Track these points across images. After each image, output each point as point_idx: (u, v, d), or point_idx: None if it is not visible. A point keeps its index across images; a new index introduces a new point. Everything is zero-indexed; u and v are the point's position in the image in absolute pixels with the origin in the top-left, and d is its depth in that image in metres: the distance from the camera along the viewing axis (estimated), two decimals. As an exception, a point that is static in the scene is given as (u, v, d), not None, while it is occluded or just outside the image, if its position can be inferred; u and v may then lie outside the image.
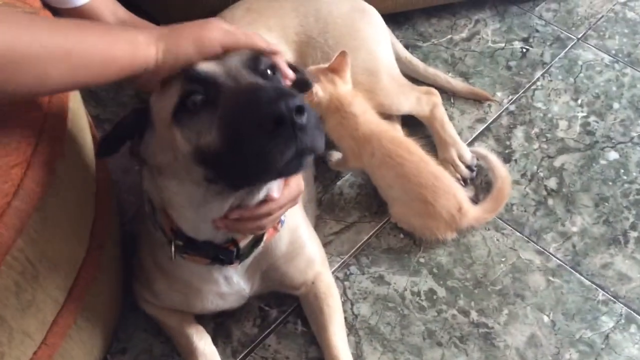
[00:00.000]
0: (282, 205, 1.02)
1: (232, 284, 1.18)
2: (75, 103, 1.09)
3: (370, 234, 1.49)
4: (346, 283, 1.42)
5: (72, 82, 0.84)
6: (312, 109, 0.83)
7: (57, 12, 1.08)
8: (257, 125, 0.79)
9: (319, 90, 1.44)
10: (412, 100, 1.61)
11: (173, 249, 1.06)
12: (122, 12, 1.19)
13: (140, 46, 0.86)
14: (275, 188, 0.99)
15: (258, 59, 0.92)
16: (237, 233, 1.04)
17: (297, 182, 1.05)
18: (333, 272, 1.41)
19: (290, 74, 1.02)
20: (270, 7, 1.53)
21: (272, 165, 0.82)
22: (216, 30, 0.91)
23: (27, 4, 1.00)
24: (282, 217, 1.11)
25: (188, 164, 0.90)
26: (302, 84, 1.10)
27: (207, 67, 0.89)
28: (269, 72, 0.94)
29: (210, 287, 1.17)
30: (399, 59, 1.71)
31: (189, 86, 0.87)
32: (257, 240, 1.09)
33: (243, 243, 1.07)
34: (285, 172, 0.87)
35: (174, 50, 0.88)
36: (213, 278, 1.15)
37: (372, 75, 1.55)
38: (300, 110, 0.79)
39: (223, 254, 1.06)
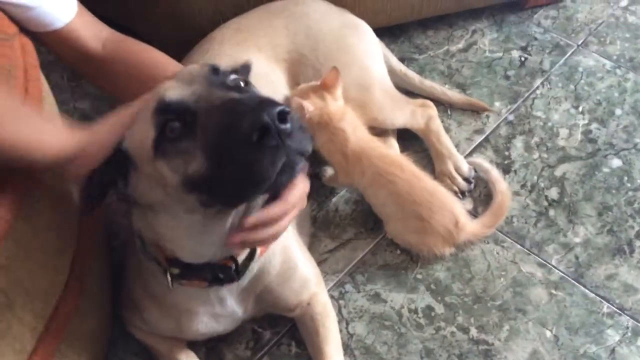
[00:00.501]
0: (294, 204, 0.97)
1: (226, 306, 1.16)
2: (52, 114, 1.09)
3: (366, 250, 1.47)
4: (341, 302, 1.39)
5: None
6: (294, 111, 0.81)
7: (36, 36, 1.08)
8: (241, 140, 0.77)
9: (309, 106, 1.42)
10: (406, 113, 1.58)
11: (170, 278, 1.03)
12: (107, 32, 1.19)
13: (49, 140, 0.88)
14: None
15: (218, 73, 0.91)
16: (255, 245, 1.01)
17: (304, 181, 1.00)
18: (328, 291, 1.38)
19: None
20: (260, 26, 1.52)
21: (265, 177, 0.80)
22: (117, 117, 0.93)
23: (2, 30, 1.00)
24: None
25: (180, 195, 0.87)
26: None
27: (174, 94, 0.86)
28: (241, 84, 0.92)
29: (204, 309, 1.15)
30: (393, 73, 1.69)
31: (163, 116, 0.85)
32: (253, 253, 1.07)
33: (240, 258, 1.04)
34: (279, 181, 0.84)
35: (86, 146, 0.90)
36: (208, 300, 1.13)
37: (364, 90, 1.53)
38: (282, 116, 0.77)
39: (222, 271, 1.04)
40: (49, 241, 0.98)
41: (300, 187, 0.98)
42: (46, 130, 0.88)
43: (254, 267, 1.10)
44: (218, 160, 0.81)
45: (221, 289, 1.09)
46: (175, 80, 0.90)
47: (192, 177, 0.84)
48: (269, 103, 0.78)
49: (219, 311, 1.15)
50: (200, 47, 1.50)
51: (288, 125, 0.78)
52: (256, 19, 1.55)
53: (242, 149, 0.78)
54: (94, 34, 1.13)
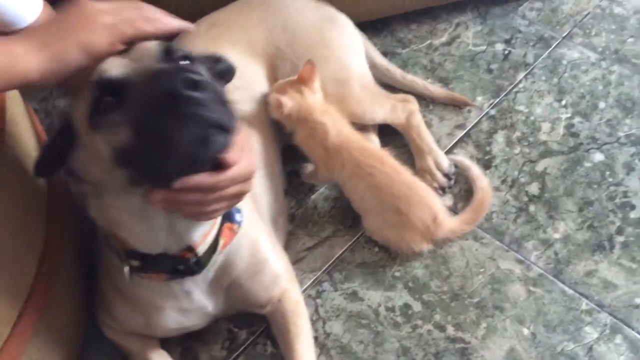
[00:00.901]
0: (232, 179, 0.93)
1: (193, 300, 1.15)
2: (18, 115, 1.08)
3: (344, 248, 1.46)
4: (318, 300, 1.38)
5: None
6: (216, 85, 0.82)
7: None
8: (154, 107, 0.79)
9: (288, 102, 1.41)
10: (386, 108, 1.57)
11: (127, 270, 1.03)
12: None
13: (17, 58, 0.83)
14: None
15: (170, 52, 0.90)
16: (181, 213, 0.95)
17: (250, 161, 0.97)
18: (305, 290, 1.38)
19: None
20: (235, 20, 1.50)
21: (180, 148, 0.80)
22: (99, 30, 0.89)
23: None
24: (239, 218, 1.08)
25: (113, 171, 0.88)
26: (225, 73, 1.07)
27: (115, 71, 0.87)
28: (185, 61, 0.91)
29: (171, 304, 1.15)
30: (375, 67, 1.68)
31: (100, 91, 0.86)
32: (215, 245, 1.06)
33: (201, 249, 1.04)
34: (197, 156, 0.84)
35: (60, 59, 0.86)
36: (173, 293, 1.12)
37: (342, 85, 1.51)
38: (193, 83, 0.77)
39: (181, 263, 1.03)
40: (11, 233, 0.98)
41: (244, 165, 0.95)
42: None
43: (218, 259, 1.09)
44: (140, 131, 0.82)
45: (185, 281, 1.09)
46: (125, 55, 0.90)
47: (120, 150, 0.85)
48: (185, 71, 0.78)
49: (187, 305, 1.15)
50: (174, 42, 1.49)
51: (198, 94, 0.78)
52: (232, 13, 1.54)
53: (155, 117, 0.79)
54: None
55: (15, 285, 1.00)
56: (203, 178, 0.89)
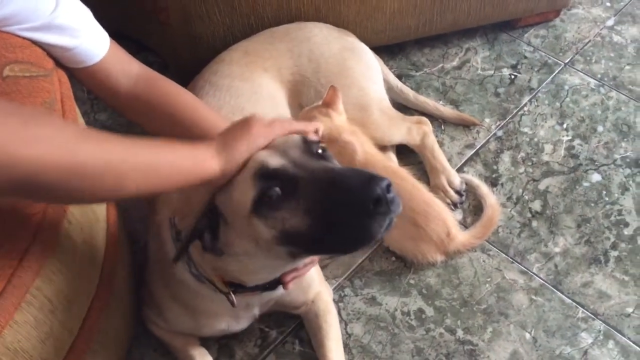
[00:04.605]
0: None
1: (249, 308, 1.29)
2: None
3: (364, 257, 1.60)
4: (340, 304, 1.52)
5: (140, 192, 0.92)
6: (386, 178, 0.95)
7: (71, 72, 1.19)
8: (355, 207, 0.92)
9: (320, 127, 1.54)
10: (403, 131, 1.71)
11: (233, 297, 1.14)
12: (137, 67, 1.24)
13: (203, 163, 0.96)
14: None
15: (308, 143, 1.02)
16: None
17: None
18: (328, 295, 1.52)
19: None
20: (265, 49, 1.65)
21: (376, 237, 0.95)
22: (261, 132, 1.02)
23: (42, 66, 1.12)
24: None
25: (270, 247, 1.00)
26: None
27: (275, 162, 0.97)
28: (320, 151, 1.03)
29: (228, 312, 1.27)
30: (391, 89, 1.82)
31: (265, 183, 0.96)
32: None
33: None
34: (371, 239, 0.97)
35: (232, 161, 0.98)
36: (237, 305, 1.22)
37: (363, 110, 1.66)
38: (389, 188, 0.92)
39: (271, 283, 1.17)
40: (85, 251, 1.12)
41: None
42: (187, 156, 0.96)
43: None
44: (322, 222, 0.95)
45: (247, 294, 1.20)
46: (269, 148, 1.01)
47: (289, 233, 0.97)
48: (376, 177, 0.92)
49: (242, 313, 1.29)
50: (210, 68, 1.63)
51: (393, 194, 0.92)
52: (261, 42, 1.68)
53: (353, 214, 0.92)
54: (124, 69, 1.20)
55: (85, 288, 1.14)
56: None
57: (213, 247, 1.04)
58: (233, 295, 1.13)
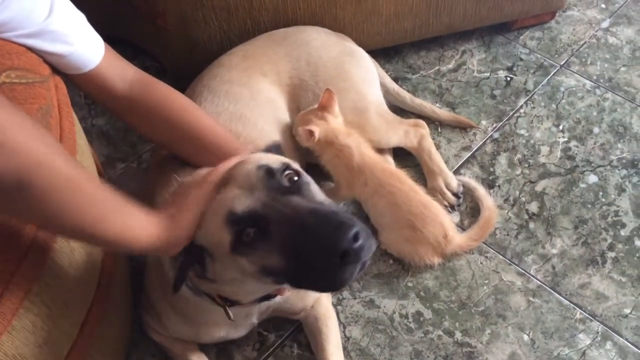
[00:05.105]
0: None
1: (248, 318, 1.31)
2: (82, 146, 1.22)
3: (362, 260, 1.60)
4: (339, 307, 1.52)
5: (75, 232, 0.93)
6: (359, 222, 0.93)
7: (68, 77, 1.19)
8: (323, 257, 0.92)
9: (316, 130, 1.54)
10: (400, 134, 1.71)
11: (230, 312, 1.17)
12: (132, 72, 1.25)
13: (140, 237, 0.97)
14: None
15: (272, 173, 1.00)
16: None
17: None
18: (326, 298, 1.52)
19: None
20: (264, 53, 1.65)
21: (344, 284, 0.97)
22: (196, 195, 1.03)
23: (38, 73, 1.12)
24: None
25: (257, 276, 1.02)
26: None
27: (242, 205, 0.97)
28: (288, 181, 1.01)
29: (227, 321, 1.25)
30: (387, 92, 1.83)
31: (237, 226, 0.97)
32: None
33: None
34: (344, 280, 0.97)
35: (177, 228, 1.01)
36: (236, 315, 1.23)
37: (361, 114, 1.66)
38: (357, 236, 0.90)
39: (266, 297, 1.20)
40: (82, 257, 1.12)
41: None
42: (132, 222, 0.97)
43: None
44: (295, 260, 0.96)
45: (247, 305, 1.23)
46: (235, 187, 1.00)
47: (268, 269, 0.99)
48: (344, 226, 0.91)
49: (241, 322, 1.30)
50: (209, 72, 1.63)
51: (361, 242, 0.91)
52: (260, 46, 1.68)
53: (323, 263, 0.93)
54: (120, 74, 1.20)
55: (83, 293, 1.14)
56: None
57: (204, 275, 1.07)
58: (229, 310, 1.16)
